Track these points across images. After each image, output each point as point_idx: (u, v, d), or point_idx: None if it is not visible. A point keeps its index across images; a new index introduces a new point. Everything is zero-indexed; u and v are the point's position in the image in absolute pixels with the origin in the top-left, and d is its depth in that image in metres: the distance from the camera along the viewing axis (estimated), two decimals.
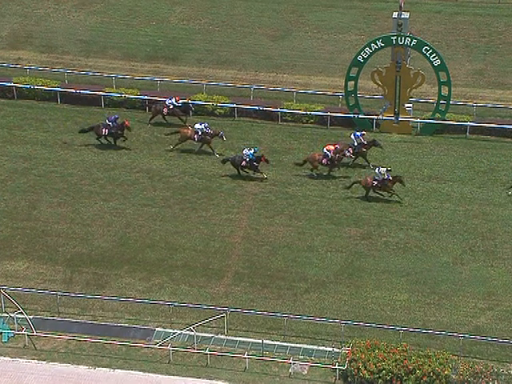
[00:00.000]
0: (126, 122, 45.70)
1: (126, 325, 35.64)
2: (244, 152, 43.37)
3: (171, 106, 47.28)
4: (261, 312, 35.70)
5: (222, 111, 48.87)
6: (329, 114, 47.68)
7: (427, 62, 46.72)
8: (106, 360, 34.31)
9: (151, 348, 34.55)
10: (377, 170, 41.97)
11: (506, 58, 54.01)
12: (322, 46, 55.41)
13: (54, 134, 47.37)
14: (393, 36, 46.12)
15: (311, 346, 34.73)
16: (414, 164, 44.94)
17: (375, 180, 41.86)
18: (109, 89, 49.89)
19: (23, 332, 35.00)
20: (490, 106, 48.83)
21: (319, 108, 48.33)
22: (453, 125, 47.22)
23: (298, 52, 54.79)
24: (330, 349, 34.43)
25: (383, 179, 41.84)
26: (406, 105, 47.51)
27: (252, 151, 43.26)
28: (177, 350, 34.44)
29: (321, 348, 34.63)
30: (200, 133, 45.11)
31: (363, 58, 46.86)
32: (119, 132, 45.72)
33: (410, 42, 46.11)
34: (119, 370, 33.95)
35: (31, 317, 35.73)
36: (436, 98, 47.38)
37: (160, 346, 34.55)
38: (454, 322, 35.58)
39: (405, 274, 37.96)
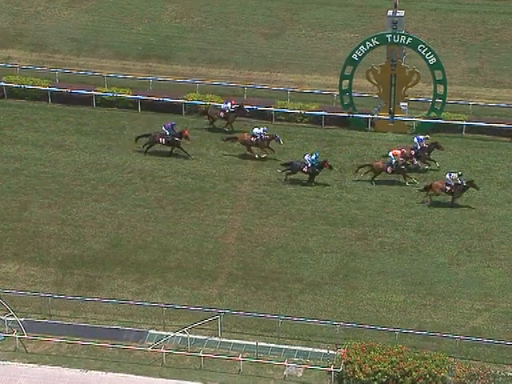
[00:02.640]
0: (186, 132, 44.65)
1: (119, 327, 35.37)
2: (305, 158, 42.61)
3: (226, 111, 46.49)
4: (255, 314, 35.40)
5: None
6: (324, 113, 47.40)
7: (423, 60, 46.45)
8: (98, 363, 34.03)
9: (144, 350, 34.23)
10: (448, 176, 41.20)
11: (502, 56, 53.82)
12: (317, 45, 55.16)
13: (45, 133, 47.03)
14: (388, 34, 45.87)
15: (306, 348, 34.50)
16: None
17: (448, 185, 41.12)
18: (100, 88, 49.53)
19: (14, 335, 34.72)
20: (486, 104, 48.56)
21: (314, 107, 48.01)
22: (448, 124, 46.97)
23: (292, 50, 54.55)
24: (325, 351, 34.18)
25: (456, 184, 41.07)
26: (402, 103, 47.23)
27: (313, 157, 42.51)
28: (170, 353, 34.15)
29: (316, 350, 34.41)
30: (258, 137, 44.53)
31: (358, 57, 46.59)
32: (176, 140, 44.63)
33: (406, 40, 45.85)
34: (111, 373, 33.71)
35: (22, 319, 35.44)
36: (431, 97, 47.10)
37: (153, 348, 34.22)
38: (451, 324, 35.35)
39: (400, 274, 37.68)
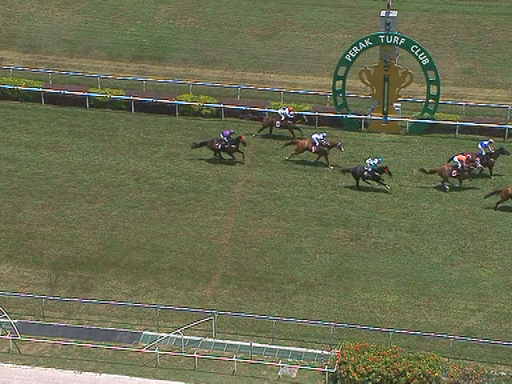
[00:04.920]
0: (243, 137, 44.29)
1: (113, 328, 35.29)
2: (367, 162, 42.35)
3: (283, 117, 45.93)
4: (249, 314, 35.38)
5: (208, 111, 48.52)
6: (317, 113, 47.40)
7: (416, 60, 46.48)
8: (92, 364, 33.95)
9: (138, 352, 34.15)
10: None
11: (495, 57, 53.89)
12: (310, 45, 55.17)
13: (38, 135, 46.93)
14: (381, 35, 45.89)
15: (300, 349, 34.47)
16: (403, 164, 44.67)
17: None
18: (93, 89, 49.47)
19: (7, 337, 34.61)
20: (479, 105, 48.62)
21: (307, 108, 48.00)
22: (442, 124, 47.01)
23: (285, 51, 54.55)
24: (320, 351, 34.16)
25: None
26: (395, 104, 47.26)
27: (376, 161, 42.24)
28: (164, 354, 34.08)
29: (310, 350, 34.38)
30: (317, 143, 44.21)
31: (351, 57, 46.61)
32: (233, 146, 44.23)
33: (399, 41, 45.88)
34: (105, 375, 33.62)
35: (15, 321, 35.34)
36: (425, 98, 47.14)
37: (147, 349, 34.16)
38: (444, 324, 35.35)
39: (394, 275, 37.69)
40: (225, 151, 44.56)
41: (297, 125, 46.28)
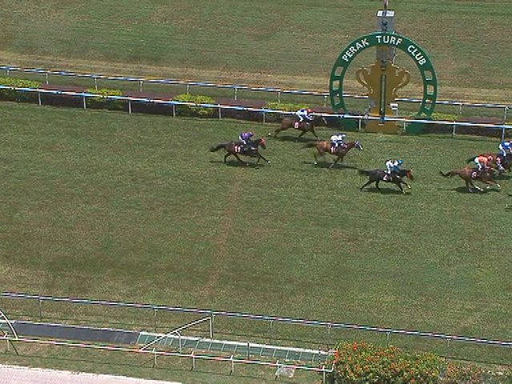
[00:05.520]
0: (262, 140, 44.02)
1: (110, 329, 35.26)
2: (387, 165, 42.13)
3: (301, 119, 45.83)
4: (246, 315, 35.37)
5: (205, 112, 48.50)
6: (314, 114, 47.34)
7: (412, 60, 46.48)
8: (90, 365, 33.93)
9: (135, 352, 34.13)
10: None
11: (492, 57, 53.91)
12: (307, 46, 55.16)
13: (35, 135, 46.89)
14: (378, 35, 45.89)
15: (297, 349, 34.47)
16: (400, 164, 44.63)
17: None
18: (90, 89, 49.43)
19: (5, 337, 34.56)
20: (475, 105, 48.64)
21: (304, 108, 47.92)
22: (439, 124, 47.03)
23: (282, 51, 54.53)
24: (317, 351, 34.18)
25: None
26: (392, 104, 47.26)
27: (396, 164, 41.96)
28: (161, 354, 34.05)
29: (307, 351, 34.38)
30: (336, 145, 44.04)
31: (348, 58, 46.60)
32: (253, 149, 44.01)
33: (395, 41, 45.88)
34: (103, 375, 33.61)
35: (13, 321, 35.30)
36: (422, 98, 47.15)
37: (144, 349, 34.14)
38: (442, 324, 35.36)
39: (391, 275, 37.69)
40: (244, 154, 44.23)
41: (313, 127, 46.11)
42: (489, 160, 42.35)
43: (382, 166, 43.97)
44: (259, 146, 44.13)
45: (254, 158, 44.36)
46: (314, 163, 44.34)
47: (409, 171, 42.13)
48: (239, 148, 44.06)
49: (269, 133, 46.62)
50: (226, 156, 44.40)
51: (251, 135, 44.30)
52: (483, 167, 42.15)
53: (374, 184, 42.68)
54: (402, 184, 42.27)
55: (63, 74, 51.24)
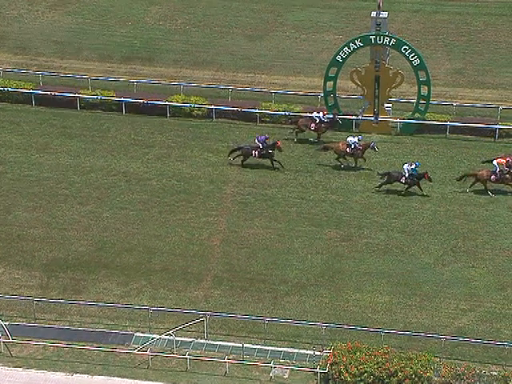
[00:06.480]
0: (278, 143, 43.73)
1: (105, 330, 35.20)
2: (404, 167, 41.97)
3: (317, 121, 45.64)
4: (241, 316, 35.33)
5: (199, 112, 48.48)
6: (307, 114, 47.39)
7: (406, 61, 46.52)
8: (84, 366, 33.88)
9: (130, 353, 34.08)
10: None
11: (486, 57, 53.98)
12: (301, 46, 55.18)
13: (29, 136, 46.83)
14: (372, 35, 45.92)
15: (292, 350, 34.45)
16: (394, 164, 44.64)
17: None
18: (84, 90, 49.38)
19: None
20: (469, 105, 48.70)
21: (298, 109, 47.99)
22: (433, 124, 47.07)
23: (276, 52, 54.54)
24: (311, 352, 34.16)
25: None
26: (386, 104, 47.29)
27: (413, 166, 41.78)
28: (156, 355, 34.01)
29: (302, 351, 34.37)
30: (353, 146, 43.84)
31: (342, 58, 46.63)
32: (270, 152, 43.71)
33: (389, 42, 45.92)
34: (97, 376, 33.56)
35: (7, 323, 35.21)
36: (416, 98, 47.19)
37: (139, 351, 34.10)
38: (436, 324, 35.38)
39: (386, 275, 37.71)
40: (261, 158, 43.98)
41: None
42: (507, 162, 41.93)
43: (375, 166, 44.10)
44: (276, 150, 43.84)
45: (274, 161, 43.86)
46: (342, 166, 44.10)
47: (427, 173, 42.02)
48: (257, 152, 43.82)
49: (284, 136, 46.33)
50: (242, 161, 44.03)
51: (267, 138, 44.05)
52: (501, 170, 41.78)
53: (371, 184, 42.71)
54: (412, 187, 42.06)
55: (58, 75, 51.11)
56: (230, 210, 41.59)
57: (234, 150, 44.37)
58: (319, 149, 44.93)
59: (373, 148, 44.03)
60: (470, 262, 38.47)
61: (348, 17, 58.07)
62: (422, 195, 42.34)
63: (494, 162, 42.19)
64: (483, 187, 42.26)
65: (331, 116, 46.07)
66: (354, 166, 44.17)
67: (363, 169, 44.15)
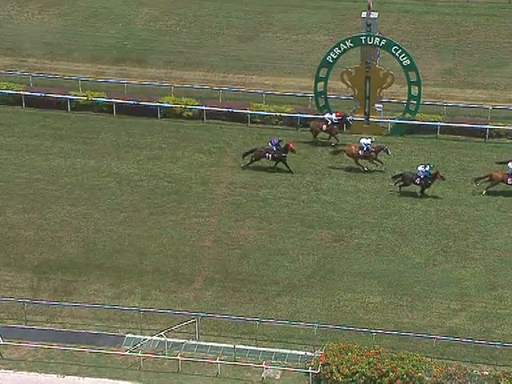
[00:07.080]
0: (291, 145, 43.54)
1: (96, 332, 35.14)
2: (419, 169, 41.91)
3: (329, 122, 45.51)
4: (232, 316, 35.31)
5: (190, 113, 48.46)
6: (298, 115, 47.43)
7: (397, 61, 46.58)
8: (75, 368, 33.82)
9: (121, 355, 34.03)
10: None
11: (476, 58, 54.11)
12: (291, 47, 55.20)
13: (20, 138, 46.73)
14: (362, 36, 45.97)
15: (284, 350, 34.45)
16: (385, 164, 44.71)
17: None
18: (75, 92, 49.30)
19: None
20: (460, 105, 48.80)
21: (289, 109, 48.00)
22: (423, 125, 47.13)
23: (266, 53, 54.55)
24: (303, 352, 34.13)
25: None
26: (376, 105, 47.34)
27: (427, 168, 41.77)
28: (147, 357, 33.97)
29: (293, 352, 34.36)
30: (365, 148, 43.74)
31: (332, 59, 46.67)
32: (283, 155, 43.55)
33: (380, 42, 45.98)
34: (89, 378, 33.50)
35: None
36: (406, 98, 47.25)
37: (130, 352, 34.06)
38: (427, 324, 35.43)
39: (377, 275, 37.74)
40: (275, 160, 43.86)
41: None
42: None
43: (367, 167, 44.15)
44: (289, 152, 43.68)
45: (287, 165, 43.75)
46: (363, 170, 44.03)
47: (438, 172, 42.08)
48: (270, 155, 43.74)
49: (296, 139, 46.23)
50: (252, 161, 43.97)
51: (280, 140, 43.90)
52: None
53: (362, 185, 42.77)
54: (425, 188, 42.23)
55: (48, 76, 51.01)
56: (221, 211, 41.57)
57: (247, 153, 44.17)
58: (332, 152, 44.81)
59: (386, 151, 43.95)
60: (461, 261, 38.55)
61: (338, 17, 58.11)
62: (414, 196, 42.42)
63: (510, 164, 42.11)
64: (483, 187, 42.31)
65: (341, 117, 45.88)
66: (366, 169, 43.93)
67: (374, 171, 43.78)
